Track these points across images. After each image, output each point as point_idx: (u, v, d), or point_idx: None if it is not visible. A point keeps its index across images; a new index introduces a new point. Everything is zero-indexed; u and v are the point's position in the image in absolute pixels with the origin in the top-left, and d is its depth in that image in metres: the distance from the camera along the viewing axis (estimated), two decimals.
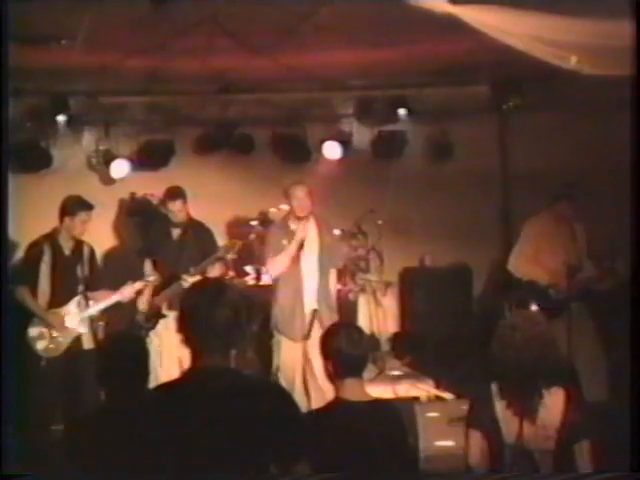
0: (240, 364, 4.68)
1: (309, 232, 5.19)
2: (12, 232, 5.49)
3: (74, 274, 5.15)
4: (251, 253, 6.01)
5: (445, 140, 6.63)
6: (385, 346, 6.43)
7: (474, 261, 6.68)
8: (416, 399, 5.22)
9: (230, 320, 2.33)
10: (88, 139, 6.42)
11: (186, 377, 2.41)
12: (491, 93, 6.44)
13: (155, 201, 6.17)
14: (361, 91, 6.60)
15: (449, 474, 3.54)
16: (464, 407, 3.08)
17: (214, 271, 5.38)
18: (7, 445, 4.53)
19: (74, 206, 5.12)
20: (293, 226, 5.17)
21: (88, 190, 5.71)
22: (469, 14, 3.74)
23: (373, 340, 6.17)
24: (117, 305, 5.26)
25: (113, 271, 5.71)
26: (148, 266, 5.43)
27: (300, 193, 5.11)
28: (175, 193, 5.49)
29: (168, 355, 5.02)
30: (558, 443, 2.77)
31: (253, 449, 2.26)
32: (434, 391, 5.40)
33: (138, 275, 5.34)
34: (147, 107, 6.39)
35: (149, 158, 6.36)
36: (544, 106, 6.26)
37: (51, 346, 5.05)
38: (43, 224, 5.25)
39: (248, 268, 6.10)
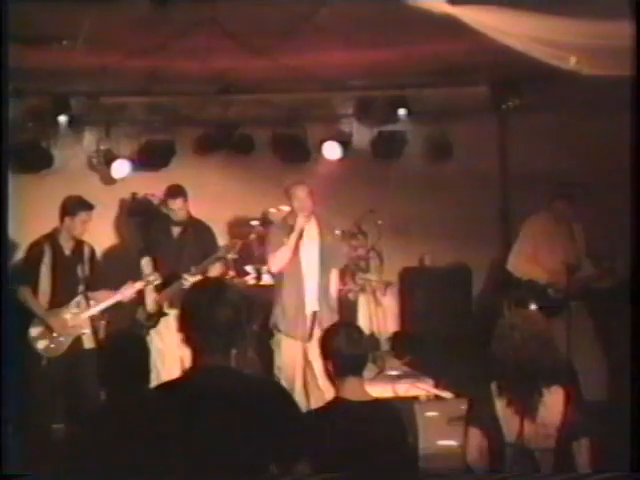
0: (240, 364, 4.71)
1: (310, 232, 5.19)
2: (13, 232, 5.48)
3: (74, 274, 5.16)
4: (251, 253, 6.02)
5: (445, 140, 6.63)
6: (385, 346, 6.43)
7: (474, 261, 6.69)
8: (416, 398, 5.23)
9: (231, 320, 2.35)
10: (89, 139, 6.43)
11: (187, 376, 2.43)
12: (490, 93, 6.43)
13: (156, 201, 6.18)
14: (361, 91, 6.60)
15: (449, 474, 3.53)
16: (463, 406, 3.10)
17: (214, 271, 5.40)
18: (7, 445, 4.56)
19: (74, 206, 5.13)
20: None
21: (89, 190, 5.73)
22: (468, 15, 3.75)
23: (373, 340, 6.17)
24: (118, 305, 5.27)
25: (114, 271, 5.70)
26: (148, 266, 5.44)
27: (301, 193, 5.11)
28: (176, 191, 5.50)
29: (169, 354, 5.03)
30: (558, 441, 2.80)
31: (254, 448, 2.27)
32: (434, 390, 5.40)
33: (139, 275, 5.36)
34: (148, 107, 6.39)
35: (150, 158, 6.36)
36: (543, 106, 6.26)
37: (52, 346, 5.06)
38: (44, 224, 5.27)
39: (248, 268, 6.11)
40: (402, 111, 6.53)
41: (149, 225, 5.95)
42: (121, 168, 6.33)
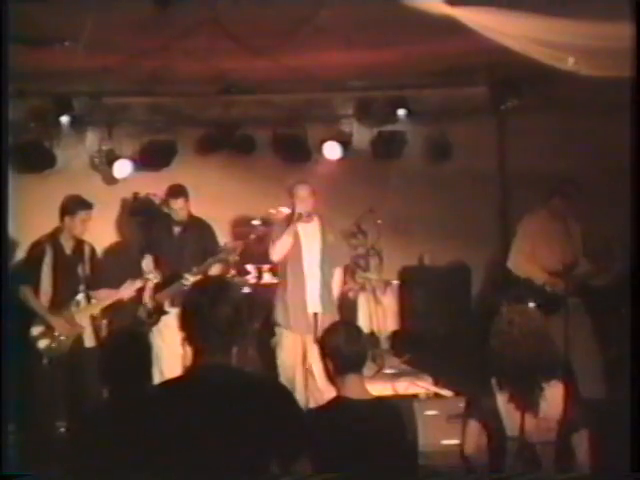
0: (241, 362, 4.74)
1: (313, 231, 5.21)
2: (16, 232, 5.54)
3: (75, 273, 5.18)
4: (252, 252, 6.04)
5: (444, 140, 6.65)
6: (384, 344, 6.46)
7: (473, 260, 6.71)
8: (415, 396, 5.26)
9: (231, 318, 2.35)
10: (91, 139, 6.44)
11: (188, 374, 2.44)
12: (489, 94, 6.45)
13: (157, 201, 6.20)
14: (361, 92, 6.61)
15: (449, 473, 3.56)
16: (462, 404, 3.12)
17: (215, 270, 5.43)
18: (8, 444, 4.59)
19: (74, 205, 5.14)
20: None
21: (91, 190, 5.76)
22: (467, 16, 3.76)
23: (373, 338, 6.20)
24: (119, 303, 5.29)
25: (115, 270, 5.73)
26: (149, 264, 5.47)
27: (303, 192, 5.13)
28: (177, 191, 5.53)
29: (169, 353, 5.03)
30: (558, 434, 2.82)
31: (255, 446, 2.28)
32: (433, 388, 5.43)
33: (140, 273, 5.38)
34: (150, 108, 6.41)
35: (152, 158, 6.38)
36: (541, 107, 6.28)
37: (53, 345, 5.07)
38: (47, 224, 5.28)
39: (249, 267, 6.14)
40: (402, 111, 6.56)
41: (150, 224, 5.97)
42: (123, 168, 6.34)
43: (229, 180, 6.53)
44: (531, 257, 5.43)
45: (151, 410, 2.36)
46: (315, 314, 5.08)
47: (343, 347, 2.86)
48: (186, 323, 2.40)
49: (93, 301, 5.27)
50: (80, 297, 5.20)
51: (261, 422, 2.29)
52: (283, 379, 4.99)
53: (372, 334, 6.28)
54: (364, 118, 6.71)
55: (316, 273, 5.16)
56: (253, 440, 2.28)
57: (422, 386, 5.49)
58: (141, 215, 6.40)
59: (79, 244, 5.23)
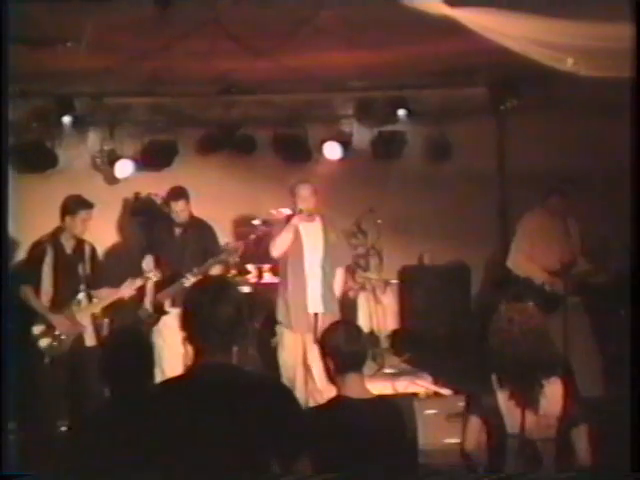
0: (242, 361, 4.76)
1: (314, 231, 5.22)
2: (19, 231, 5.56)
3: (76, 273, 5.18)
4: (253, 252, 6.06)
5: (444, 140, 6.66)
6: (384, 343, 6.48)
7: (472, 259, 6.72)
8: (415, 395, 5.28)
9: (232, 317, 2.36)
10: (93, 139, 6.46)
11: (188, 374, 2.44)
12: (489, 94, 6.48)
13: (159, 200, 6.23)
14: (361, 92, 6.62)
15: (449, 472, 3.57)
16: (462, 403, 3.14)
17: (216, 270, 5.44)
18: (9, 443, 4.60)
19: (74, 205, 5.14)
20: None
21: (93, 190, 5.77)
22: (467, 16, 3.76)
23: (373, 337, 6.22)
24: (119, 302, 5.30)
25: (116, 269, 5.74)
26: (149, 263, 5.47)
27: (305, 192, 5.13)
28: (178, 193, 5.54)
29: (169, 352, 5.04)
30: (558, 431, 2.83)
31: (255, 445, 2.29)
32: (433, 387, 5.45)
33: (140, 272, 5.38)
34: (151, 108, 6.42)
35: (153, 158, 6.40)
36: (541, 107, 6.29)
37: (55, 344, 5.08)
38: (49, 223, 5.27)
39: (250, 266, 6.16)
40: (402, 112, 6.57)
41: (152, 224, 5.99)
42: (124, 168, 6.36)
43: (230, 180, 6.54)
44: (530, 256, 5.44)
45: (152, 409, 2.36)
46: (315, 314, 5.09)
47: (343, 346, 2.86)
48: (187, 322, 2.39)
49: (95, 300, 5.28)
50: (81, 296, 5.20)
51: (262, 421, 2.29)
52: (284, 378, 5.00)
53: (372, 333, 6.30)
54: (364, 118, 6.73)
55: (317, 273, 5.16)
56: (254, 439, 2.28)
57: (422, 385, 5.51)
58: (142, 215, 6.43)
59: (80, 244, 5.24)
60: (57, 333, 5.10)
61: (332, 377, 2.91)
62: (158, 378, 3.17)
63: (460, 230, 6.56)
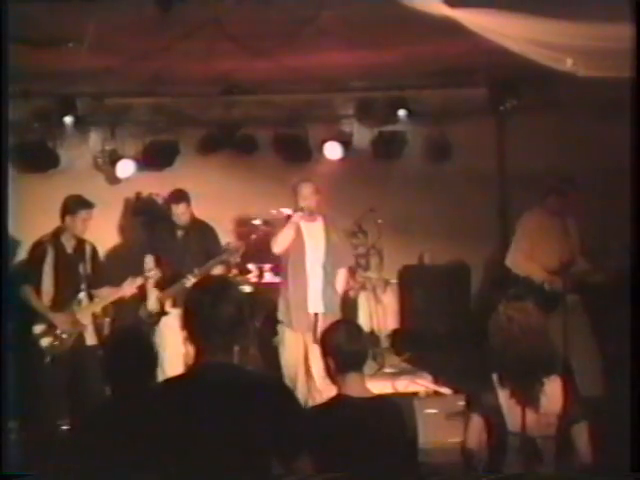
0: (243, 360, 4.77)
1: (317, 231, 5.22)
2: (21, 231, 5.57)
3: (76, 272, 5.19)
4: (253, 252, 6.07)
5: (444, 140, 6.67)
6: (385, 343, 6.50)
7: (472, 259, 6.73)
8: (415, 394, 5.29)
9: (233, 317, 2.37)
10: (94, 140, 6.48)
11: (190, 373, 2.45)
12: (488, 95, 6.48)
13: (160, 200, 6.25)
14: (361, 92, 6.63)
15: (449, 471, 3.58)
16: (462, 402, 3.15)
17: (217, 270, 5.46)
18: (11, 442, 4.62)
19: (74, 205, 5.15)
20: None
21: (94, 189, 5.78)
22: (467, 17, 3.77)
23: (373, 337, 6.23)
24: (120, 301, 5.31)
25: (117, 269, 5.75)
26: (150, 262, 5.49)
27: (307, 191, 5.14)
28: (178, 196, 5.55)
29: (169, 353, 5.04)
30: (559, 428, 2.84)
31: (256, 444, 2.30)
32: (433, 386, 5.46)
33: (140, 272, 5.39)
34: (152, 108, 6.43)
35: (154, 158, 6.41)
36: (540, 107, 6.30)
37: (56, 343, 5.09)
38: (51, 223, 5.27)
39: (250, 266, 6.17)
40: (402, 112, 6.57)
41: (153, 224, 6.00)
42: (126, 168, 6.37)
43: (230, 180, 6.55)
44: (530, 255, 5.45)
45: (153, 408, 2.37)
46: (316, 314, 5.10)
47: (344, 346, 2.87)
48: (188, 322, 2.41)
49: (96, 300, 5.29)
50: (82, 296, 5.21)
51: (262, 420, 2.31)
52: (285, 378, 5.00)
53: (372, 333, 6.31)
54: (365, 118, 6.74)
55: (319, 273, 5.16)
56: (254, 438, 2.30)
57: (422, 384, 5.52)
58: (144, 215, 6.44)
59: (80, 243, 5.24)
60: (58, 332, 5.11)
61: (332, 376, 2.91)
62: (159, 378, 3.18)
63: (460, 230, 6.57)
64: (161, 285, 5.46)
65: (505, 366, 2.88)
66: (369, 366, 4.36)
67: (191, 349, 2.41)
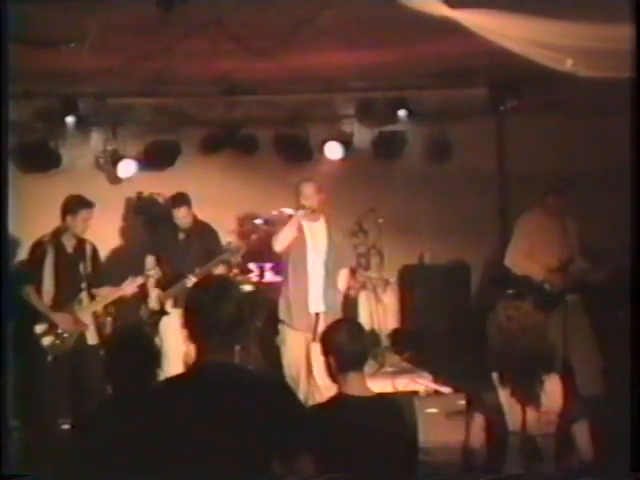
0: (244, 359, 4.78)
1: (319, 231, 5.22)
2: (23, 231, 5.59)
3: (77, 272, 5.20)
4: (254, 251, 6.09)
5: (444, 140, 6.68)
6: (385, 342, 6.51)
7: (472, 258, 6.73)
8: (415, 393, 5.30)
9: (234, 316, 2.37)
10: (96, 139, 6.48)
11: (191, 372, 2.46)
12: (488, 95, 6.50)
13: (161, 200, 6.27)
14: (362, 92, 6.63)
15: (449, 471, 3.59)
16: (462, 401, 3.16)
17: (218, 270, 5.47)
18: (13, 441, 4.63)
19: (75, 205, 5.16)
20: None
21: (96, 189, 5.82)
22: (466, 17, 3.78)
23: (373, 336, 6.24)
24: (121, 301, 5.33)
25: (119, 268, 5.77)
26: (150, 261, 5.50)
27: (309, 190, 5.15)
28: (179, 200, 5.57)
29: (169, 353, 5.07)
30: (559, 427, 2.84)
31: (256, 442, 2.31)
32: (433, 385, 5.47)
33: (141, 270, 5.41)
34: (153, 108, 6.44)
35: (155, 158, 6.42)
36: (540, 108, 6.30)
37: (57, 342, 5.10)
38: (53, 222, 5.29)
39: (251, 265, 6.19)
40: (402, 112, 6.58)
41: (154, 224, 6.03)
42: (127, 168, 6.38)
43: (231, 180, 6.55)
44: (529, 255, 5.47)
45: (154, 407, 2.38)
46: (317, 313, 5.11)
47: (346, 345, 2.87)
48: (189, 322, 2.41)
49: (97, 299, 5.31)
50: (82, 295, 5.23)
51: (263, 419, 2.31)
52: (287, 377, 5.00)
53: (373, 332, 6.31)
54: (365, 118, 6.74)
55: (320, 272, 5.16)
56: (255, 436, 2.30)
57: (422, 383, 5.52)
58: (145, 214, 6.45)
59: (80, 243, 5.25)
60: (59, 331, 5.12)
61: (333, 375, 2.91)
62: (160, 377, 3.19)
63: (460, 229, 6.57)
64: (162, 285, 5.48)
65: (505, 365, 2.89)
66: (369, 365, 4.37)
67: (192, 348, 2.41)
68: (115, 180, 6.51)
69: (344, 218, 6.01)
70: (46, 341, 5.11)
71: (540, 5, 3.71)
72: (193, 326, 2.40)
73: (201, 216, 5.76)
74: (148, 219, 6.34)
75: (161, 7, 3.90)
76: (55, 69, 5.19)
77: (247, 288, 5.90)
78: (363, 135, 6.76)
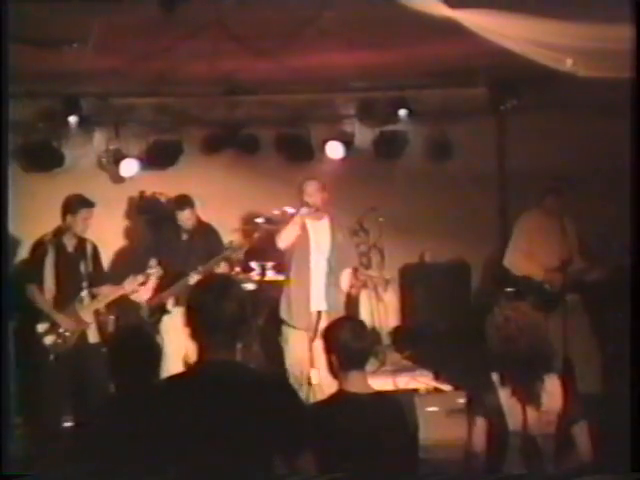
0: (246, 358, 4.80)
1: (322, 230, 5.23)
2: (25, 230, 5.61)
3: (78, 271, 5.21)
4: (256, 250, 6.11)
5: (444, 140, 6.69)
6: (386, 340, 6.52)
7: (472, 257, 6.74)
8: (416, 391, 5.31)
9: (236, 314, 2.38)
10: (99, 139, 6.48)
11: (193, 370, 2.48)
12: (489, 95, 6.51)
13: (164, 199, 6.29)
14: (363, 92, 6.64)
15: (449, 470, 3.60)
16: (462, 399, 3.16)
17: (220, 268, 5.49)
18: (14, 439, 4.65)
19: (75, 204, 5.17)
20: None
21: (98, 188, 5.84)
22: (467, 17, 3.78)
23: (374, 334, 6.25)
24: (122, 300, 5.34)
25: (120, 267, 5.80)
26: (152, 261, 5.51)
27: (312, 188, 5.16)
28: (183, 202, 5.58)
29: (169, 352, 5.05)
30: (559, 427, 2.83)
31: (258, 439, 2.32)
32: (433, 383, 5.48)
33: (142, 269, 5.41)
34: (156, 108, 6.45)
35: (158, 157, 6.42)
36: (540, 107, 6.31)
37: (59, 341, 5.12)
38: (56, 222, 5.29)
39: (253, 264, 6.20)
40: (403, 112, 6.58)
41: (157, 223, 6.04)
42: (130, 167, 6.38)
43: (233, 179, 6.56)
44: (528, 255, 5.47)
45: (156, 405, 2.38)
46: (319, 312, 5.12)
47: (349, 343, 2.86)
48: (191, 320, 2.41)
49: (99, 297, 5.32)
50: (84, 294, 5.24)
51: (264, 416, 2.32)
52: (289, 375, 5.00)
53: (374, 330, 6.32)
54: (366, 118, 6.75)
55: (322, 271, 5.17)
56: (257, 435, 2.32)
57: (423, 381, 5.54)
58: (147, 213, 6.47)
59: (81, 242, 5.26)
60: (61, 330, 5.13)
61: (335, 373, 2.91)
62: (162, 375, 3.21)
63: (461, 228, 6.57)
64: (164, 284, 5.49)
65: (504, 365, 2.88)
66: (370, 363, 4.38)
67: (194, 346, 2.42)
68: (118, 179, 6.51)
69: (345, 217, 6.02)
70: (48, 340, 5.12)
71: (540, 5, 3.71)
72: (195, 324, 2.41)
73: (203, 215, 5.77)
74: (150, 218, 6.35)
75: (163, 7, 3.90)
76: (58, 69, 5.21)
77: (249, 286, 5.92)
78: (364, 135, 6.76)
